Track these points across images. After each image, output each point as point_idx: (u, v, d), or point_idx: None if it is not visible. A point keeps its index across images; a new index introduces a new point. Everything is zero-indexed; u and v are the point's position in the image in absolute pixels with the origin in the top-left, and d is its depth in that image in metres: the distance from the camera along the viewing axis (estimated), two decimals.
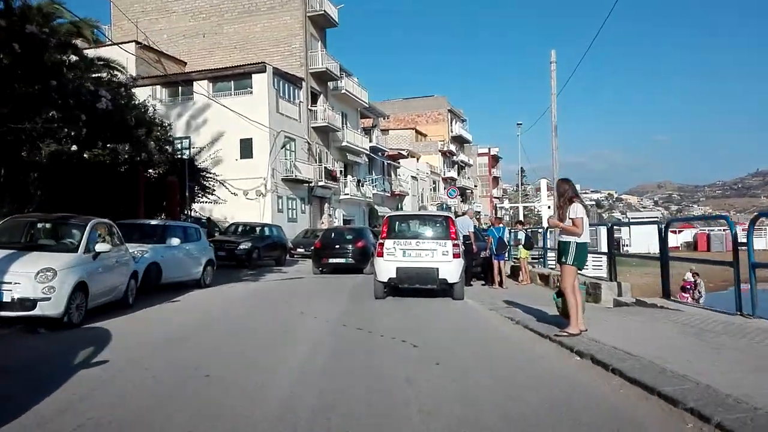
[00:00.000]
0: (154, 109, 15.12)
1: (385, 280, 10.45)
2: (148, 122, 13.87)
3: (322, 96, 35.84)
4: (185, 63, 35.36)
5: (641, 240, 51.66)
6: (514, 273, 15.54)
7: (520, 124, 48.09)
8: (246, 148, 29.89)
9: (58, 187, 15.39)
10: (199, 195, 21.58)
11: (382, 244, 10.59)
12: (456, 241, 10.49)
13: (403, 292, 11.00)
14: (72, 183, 15.59)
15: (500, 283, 13.68)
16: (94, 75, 14.13)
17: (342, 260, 17.45)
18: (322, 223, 35.12)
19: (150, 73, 31.93)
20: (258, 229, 22.60)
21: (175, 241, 12.29)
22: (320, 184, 34.22)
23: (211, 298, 11.57)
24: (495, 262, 13.44)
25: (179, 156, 21.14)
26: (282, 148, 30.73)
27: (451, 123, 71.91)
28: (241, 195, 28.44)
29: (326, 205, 36.39)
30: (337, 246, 17.65)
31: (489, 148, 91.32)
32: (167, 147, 16.53)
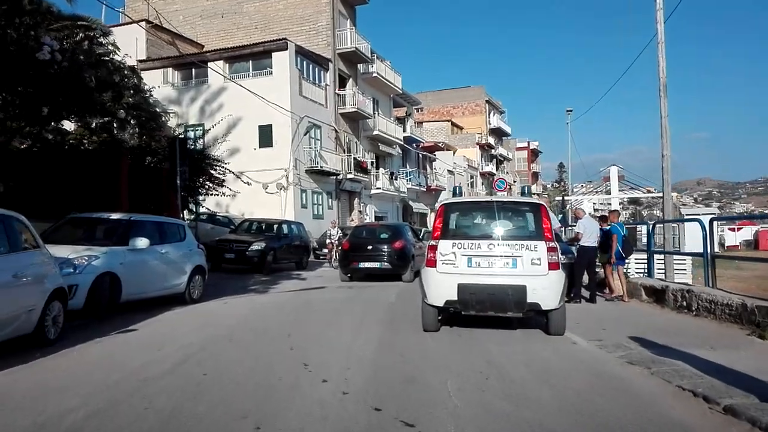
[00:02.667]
0: (133, 72, 11.75)
1: (440, 304, 6.72)
2: (117, 84, 10.36)
3: (351, 80, 32.24)
4: (202, 46, 32.21)
5: (692, 240, 47.08)
6: (600, 283, 11.64)
7: (570, 110, 43.88)
8: (265, 136, 26.50)
9: (22, 177, 12.22)
10: (207, 187, 18.29)
11: (434, 248, 6.84)
12: (553, 243, 6.68)
13: (464, 318, 7.26)
14: (36, 170, 12.41)
15: (598, 294, 10.31)
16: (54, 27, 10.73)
17: (375, 264, 13.84)
18: (352, 220, 31.58)
19: (163, 56, 28.97)
20: (275, 226, 19.10)
21: (141, 242, 8.80)
22: (349, 176, 30.62)
23: (185, 325, 8.04)
24: (618, 268, 10.12)
25: (192, 146, 17.84)
26: (305, 135, 27.22)
27: (489, 115, 67.62)
28: (260, 188, 25.11)
29: (356, 200, 32.80)
30: (370, 247, 14.01)
31: (528, 142, 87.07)
32: (150, 122, 13.02)
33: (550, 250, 6.57)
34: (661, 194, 13.52)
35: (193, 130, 25.70)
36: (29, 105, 9.41)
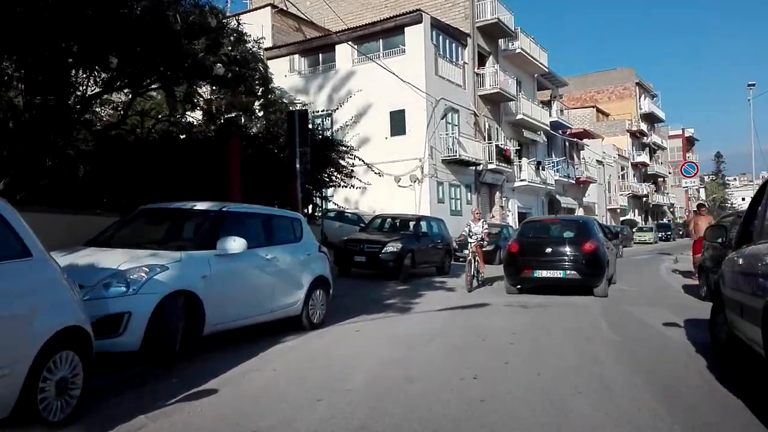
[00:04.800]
0: (238, 23, 8.98)
1: None
2: (213, 30, 7.51)
3: (491, 57, 28.38)
4: (329, 31, 30.03)
5: None
6: None
7: (753, 84, 36.34)
8: (397, 123, 23.41)
9: (108, 161, 9.98)
10: (334, 178, 15.52)
11: None
12: None
13: None
14: (122, 154, 10.10)
15: None
16: None
17: (557, 273, 10.04)
18: (492, 216, 27.70)
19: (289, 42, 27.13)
20: (411, 223, 15.87)
21: (234, 243, 5.78)
22: (490, 166, 26.75)
23: (295, 381, 4.86)
24: None
25: (319, 135, 15.19)
26: (441, 119, 23.80)
27: (640, 99, 60.01)
28: (391, 182, 22.07)
29: (497, 193, 28.80)
30: (548, 250, 10.20)
31: (683, 129, 77.49)
32: (270, 95, 10.26)
33: None
34: None
35: (321, 117, 23.34)
36: (93, 54, 6.81)
